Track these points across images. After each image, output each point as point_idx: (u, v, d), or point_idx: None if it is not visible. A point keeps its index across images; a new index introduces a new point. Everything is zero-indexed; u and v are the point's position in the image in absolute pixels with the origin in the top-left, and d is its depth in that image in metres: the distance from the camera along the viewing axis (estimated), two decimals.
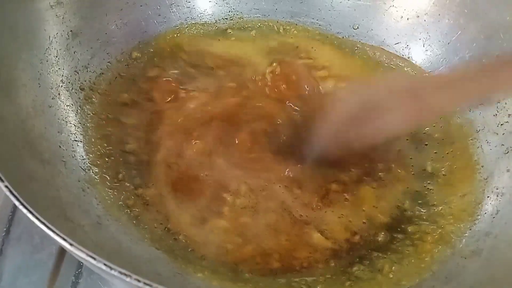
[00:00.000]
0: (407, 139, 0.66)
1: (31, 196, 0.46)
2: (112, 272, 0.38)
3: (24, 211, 0.41)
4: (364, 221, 0.60)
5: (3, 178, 0.44)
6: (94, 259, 0.38)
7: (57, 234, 0.39)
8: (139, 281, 0.37)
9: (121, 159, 0.63)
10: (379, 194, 0.62)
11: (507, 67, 0.50)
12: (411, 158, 0.65)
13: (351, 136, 0.58)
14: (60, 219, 0.50)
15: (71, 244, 0.39)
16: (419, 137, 0.67)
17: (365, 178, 0.63)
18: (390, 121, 0.55)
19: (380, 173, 0.63)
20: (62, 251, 0.62)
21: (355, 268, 0.56)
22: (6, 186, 0.43)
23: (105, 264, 0.38)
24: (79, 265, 0.61)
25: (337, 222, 0.59)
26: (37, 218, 0.40)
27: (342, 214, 0.60)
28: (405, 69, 0.74)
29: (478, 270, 0.53)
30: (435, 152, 0.66)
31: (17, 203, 0.41)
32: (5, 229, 0.64)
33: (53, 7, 0.64)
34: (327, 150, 0.60)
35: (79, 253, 0.39)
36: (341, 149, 0.59)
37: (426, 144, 0.66)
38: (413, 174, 0.64)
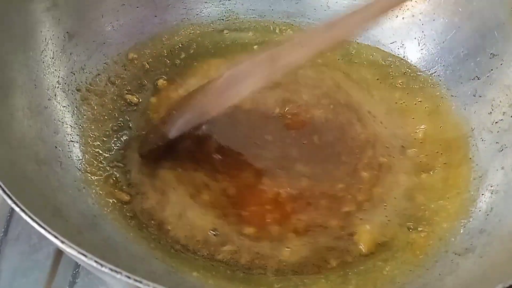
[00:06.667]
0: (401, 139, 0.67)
1: (25, 195, 0.46)
2: (103, 269, 0.38)
3: (17, 209, 0.41)
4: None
5: None
6: (86, 256, 0.39)
7: (49, 232, 0.40)
8: (129, 277, 0.37)
9: (118, 160, 0.63)
10: None
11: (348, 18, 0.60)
12: None
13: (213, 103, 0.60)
14: (55, 219, 0.50)
15: (62, 242, 0.39)
16: (416, 135, 0.67)
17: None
18: (247, 84, 0.59)
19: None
20: (59, 251, 0.62)
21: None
22: None
23: (96, 261, 0.38)
24: (77, 265, 0.61)
25: None
26: (30, 217, 0.41)
27: None
28: (401, 68, 0.74)
29: (471, 267, 0.52)
30: (430, 150, 0.66)
31: (9, 201, 0.42)
32: (3, 229, 0.64)
33: (49, 9, 0.64)
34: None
35: (71, 251, 0.39)
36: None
37: (422, 142, 0.66)
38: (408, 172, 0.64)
